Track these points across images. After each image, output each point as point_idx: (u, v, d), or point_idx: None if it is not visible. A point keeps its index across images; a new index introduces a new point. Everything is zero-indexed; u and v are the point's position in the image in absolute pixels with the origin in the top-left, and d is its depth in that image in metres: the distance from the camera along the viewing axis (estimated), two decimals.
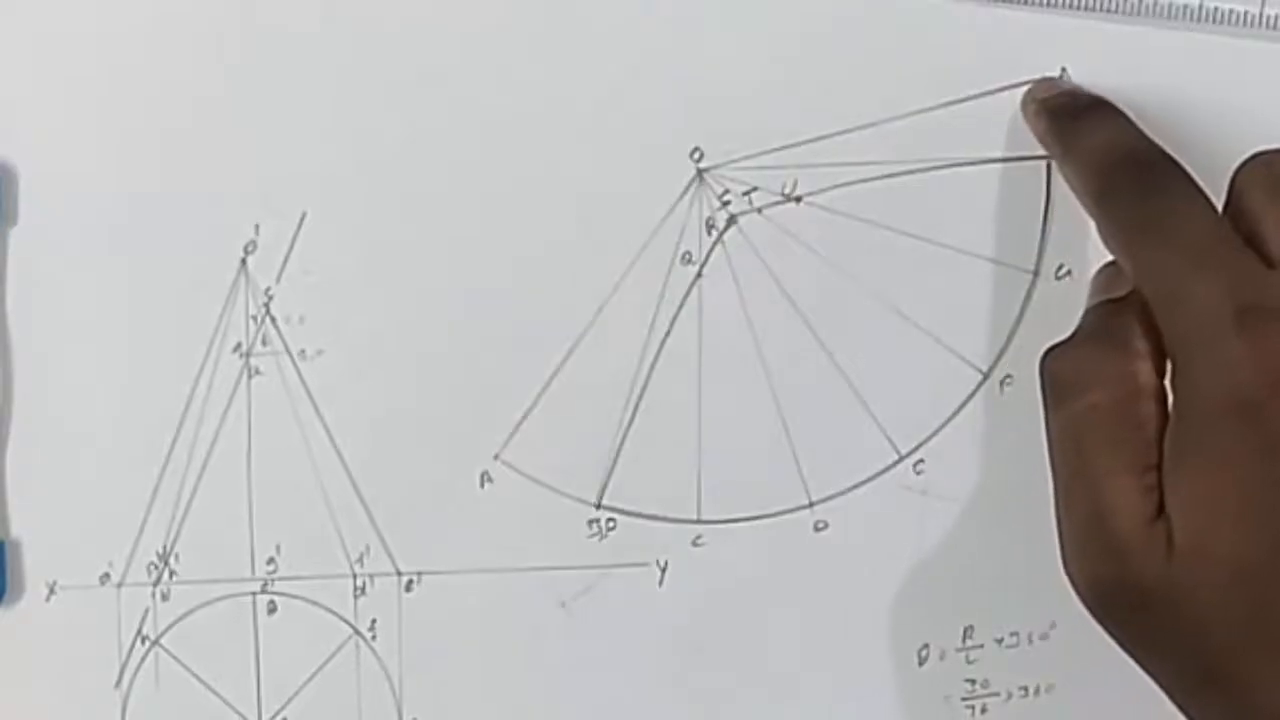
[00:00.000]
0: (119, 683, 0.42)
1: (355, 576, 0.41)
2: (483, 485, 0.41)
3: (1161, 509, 0.32)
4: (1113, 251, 0.34)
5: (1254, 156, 0.34)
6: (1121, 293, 0.34)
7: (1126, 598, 0.32)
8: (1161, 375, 0.33)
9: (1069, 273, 0.39)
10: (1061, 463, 0.34)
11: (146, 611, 0.42)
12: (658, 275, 0.40)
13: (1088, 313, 0.35)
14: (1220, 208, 0.34)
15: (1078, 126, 0.37)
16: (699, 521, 0.41)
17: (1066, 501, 0.34)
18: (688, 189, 0.40)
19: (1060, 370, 0.34)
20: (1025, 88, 0.38)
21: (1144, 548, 0.32)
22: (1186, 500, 0.32)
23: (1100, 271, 0.37)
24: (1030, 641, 0.41)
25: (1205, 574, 0.31)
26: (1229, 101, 0.38)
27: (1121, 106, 0.38)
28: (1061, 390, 0.34)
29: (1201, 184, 0.34)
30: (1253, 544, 0.31)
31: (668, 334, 0.40)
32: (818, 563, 0.41)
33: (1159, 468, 0.32)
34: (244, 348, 0.41)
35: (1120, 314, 0.34)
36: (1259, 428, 0.31)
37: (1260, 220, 0.33)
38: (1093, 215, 0.35)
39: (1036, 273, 0.39)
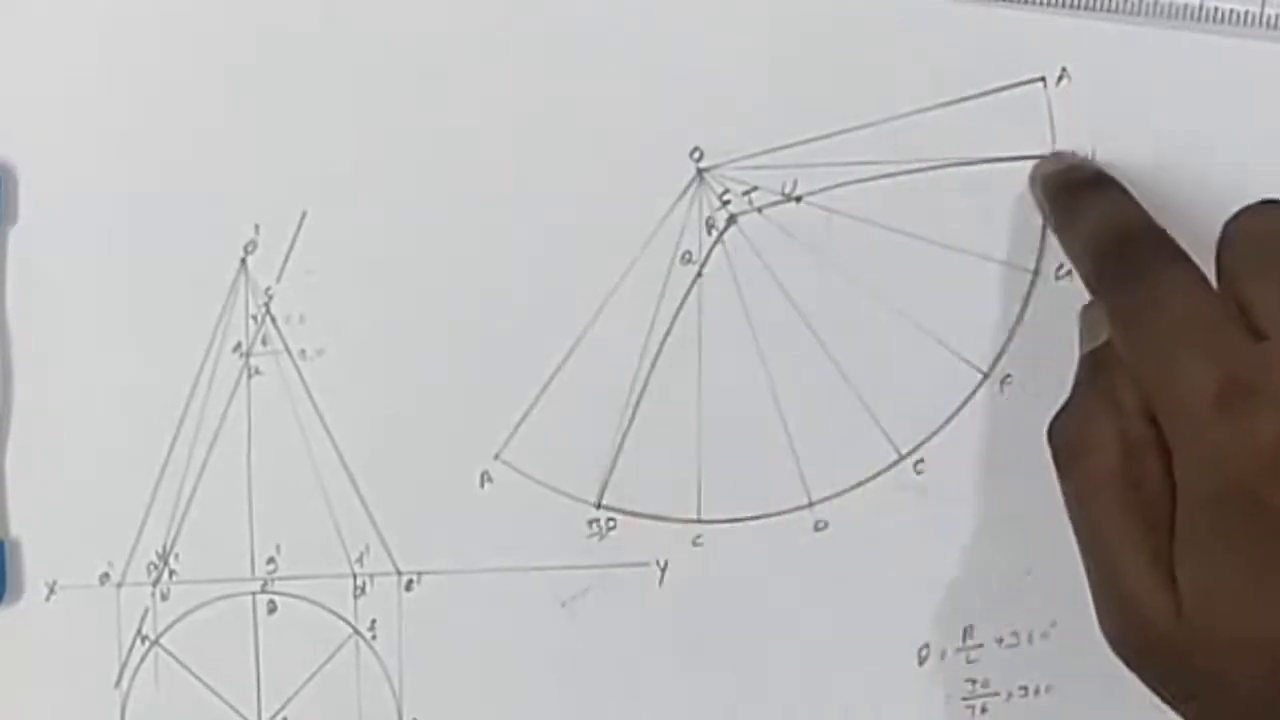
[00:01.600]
0: (119, 683, 0.42)
1: (355, 576, 0.41)
2: (483, 485, 0.41)
3: (1173, 571, 0.32)
4: (1111, 331, 0.34)
5: (1239, 217, 0.34)
6: (1105, 338, 0.35)
7: (1142, 651, 0.33)
8: (1156, 423, 0.33)
9: (1069, 273, 0.39)
10: (1076, 524, 0.34)
11: (146, 611, 0.42)
12: (658, 275, 0.40)
13: (1079, 366, 0.35)
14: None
15: (1073, 207, 0.37)
16: (699, 521, 0.41)
17: (1085, 561, 0.34)
18: (688, 189, 0.40)
19: (1058, 438, 0.34)
20: (1025, 88, 0.38)
21: (1153, 607, 0.33)
22: (1191, 576, 0.32)
23: (1084, 313, 0.36)
24: (1030, 641, 0.41)
25: (1214, 638, 0.32)
26: (1229, 101, 0.38)
27: (1122, 107, 0.38)
28: (1062, 457, 0.34)
29: (1194, 257, 0.34)
30: (1260, 622, 0.32)
31: (668, 334, 0.40)
32: (818, 563, 0.41)
33: (1171, 528, 0.33)
34: (244, 347, 0.41)
35: (1105, 368, 0.34)
36: (1255, 512, 0.31)
37: (1247, 293, 0.33)
38: (1091, 294, 0.35)
39: (1036, 273, 0.39)
